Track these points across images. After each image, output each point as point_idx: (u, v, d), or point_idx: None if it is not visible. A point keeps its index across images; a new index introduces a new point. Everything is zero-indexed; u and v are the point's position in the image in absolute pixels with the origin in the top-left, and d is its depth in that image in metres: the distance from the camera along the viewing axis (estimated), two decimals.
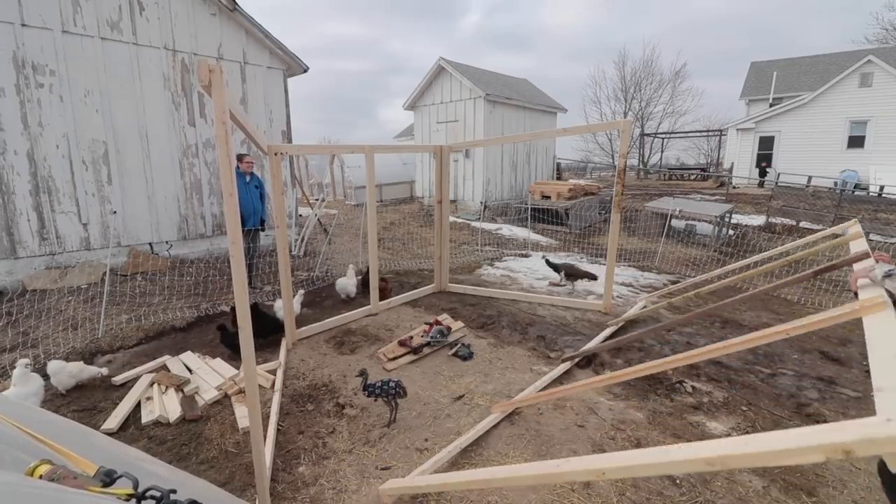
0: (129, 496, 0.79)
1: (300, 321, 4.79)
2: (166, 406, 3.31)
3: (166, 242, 7.44)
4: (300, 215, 9.90)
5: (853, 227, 2.84)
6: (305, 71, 8.99)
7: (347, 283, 5.81)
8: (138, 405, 3.38)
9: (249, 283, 5.99)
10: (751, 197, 16.28)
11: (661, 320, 4.86)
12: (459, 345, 4.34)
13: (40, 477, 0.75)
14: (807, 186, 16.18)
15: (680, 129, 31.57)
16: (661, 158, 32.61)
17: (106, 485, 0.80)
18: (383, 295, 5.51)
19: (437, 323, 4.62)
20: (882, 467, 1.94)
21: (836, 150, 18.76)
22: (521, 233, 10.80)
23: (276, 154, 4.14)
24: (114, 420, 3.15)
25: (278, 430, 3.09)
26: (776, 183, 16.96)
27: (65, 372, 3.51)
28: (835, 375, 3.79)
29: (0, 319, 4.87)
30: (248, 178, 6.01)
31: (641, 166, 28.68)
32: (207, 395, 3.48)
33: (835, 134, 18.76)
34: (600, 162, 33.44)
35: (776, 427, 3.06)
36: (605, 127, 19.60)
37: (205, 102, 7.55)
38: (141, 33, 6.80)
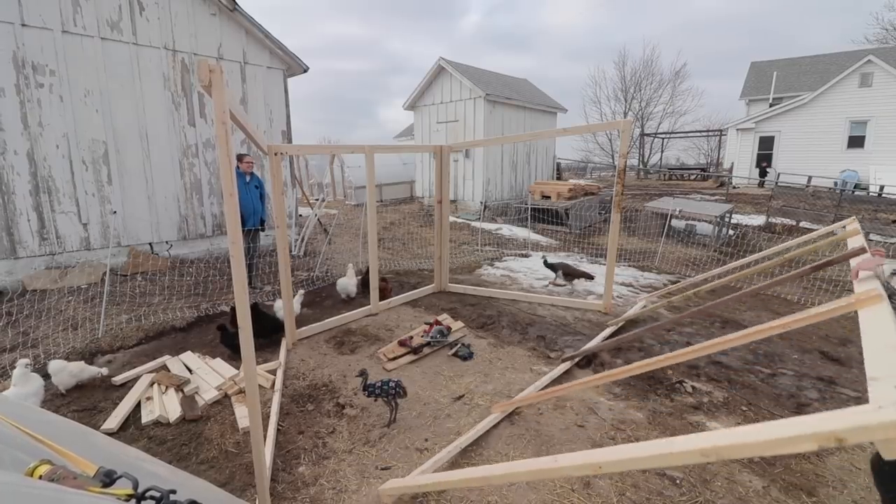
0: (129, 496, 0.79)
1: (300, 321, 4.79)
2: (166, 406, 3.31)
3: (166, 242, 7.44)
4: (300, 215, 9.90)
5: (851, 224, 2.84)
6: (305, 71, 8.99)
7: (348, 283, 5.81)
8: (138, 405, 3.38)
9: (249, 283, 5.99)
10: (751, 197, 16.28)
11: (661, 320, 4.86)
12: (459, 345, 4.34)
13: (40, 477, 0.75)
14: (807, 186, 16.18)
15: (680, 129, 31.58)
16: (661, 158, 32.62)
17: (106, 485, 0.80)
18: (383, 295, 5.51)
19: (437, 323, 4.62)
20: (875, 463, 1.95)
21: (836, 150, 18.76)
22: (521, 233, 10.80)
23: (276, 154, 4.14)
24: (114, 420, 3.15)
25: (278, 430, 3.09)
26: (776, 183, 16.97)
27: (66, 371, 3.52)
28: (835, 375, 3.79)
29: (0, 319, 4.87)
30: (248, 178, 6.01)
31: (641, 166, 28.68)
32: (207, 395, 3.48)
33: (835, 134, 18.76)
34: (600, 162, 33.44)
35: None
36: (605, 127, 19.60)
37: (205, 102, 7.55)
38: (141, 33, 6.80)
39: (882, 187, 15.64)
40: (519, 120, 14.47)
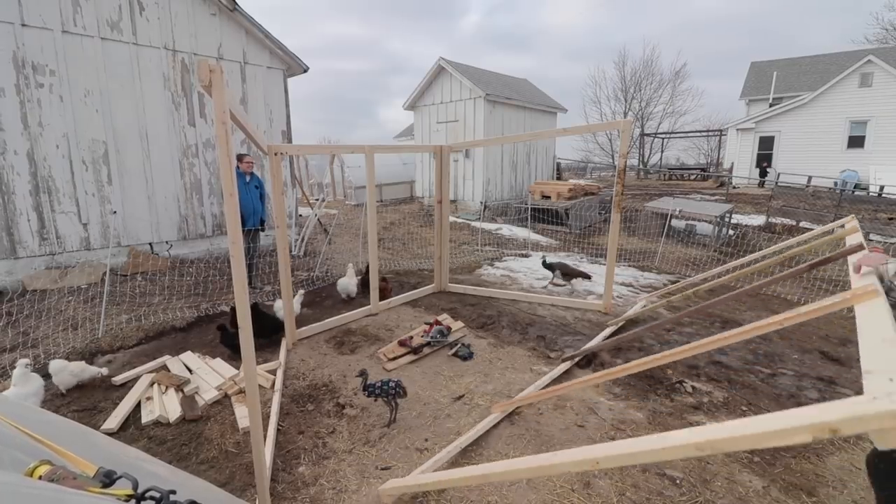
0: (129, 497, 0.79)
1: (300, 321, 4.79)
2: (166, 406, 3.31)
3: (166, 242, 7.44)
4: (300, 215, 9.90)
5: (850, 222, 2.85)
6: (305, 71, 8.99)
7: (349, 283, 5.81)
8: (138, 405, 3.37)
9: (249, 283, 5.99)
10: (751, 197, 16.28)
11: (661, 320, 4.86)
12: (459, 345, 4.34)
13: (40, 477, 0.75)
14: (807, 186, 16.18)
15: (680, 129, 31.59)
16: (661, 158, 32.62)
17: (105, 485, 0.80)
18: (383, 295, 5.51)
19: (437, 323, 4.61)
20: (870, 461, 1.95)
21: (836, 150, 18.77)
22: (521, 233, 10.79)
23: (276, 154, 4.13)
24: (114, 420, 3.15)
25: (278, 430, 3.09)
26: (776, 183, 16.97)
27: (67, 371, 3.52)
28: (835, 375, 3.79)
29: (0, 319, 4.87)
30: (248, 178, 6.01)
31: (641, 166, 28.68)
32: (207, 395, 3.48)
33: (835, 134, 18.77)
34: (600, 162, 33.45)
35: None
36: (605, 127, 19.59)
37: (205, 102, 7.55)
38: (141, 33, 6.80)
39: (882, 187, 15.64)
40: (519, 120, 14.47)
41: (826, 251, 2.75)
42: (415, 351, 4.20)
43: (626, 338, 3.69)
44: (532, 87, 17.17)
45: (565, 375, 3.82)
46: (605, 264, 5.40)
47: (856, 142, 18.45)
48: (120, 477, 0.83)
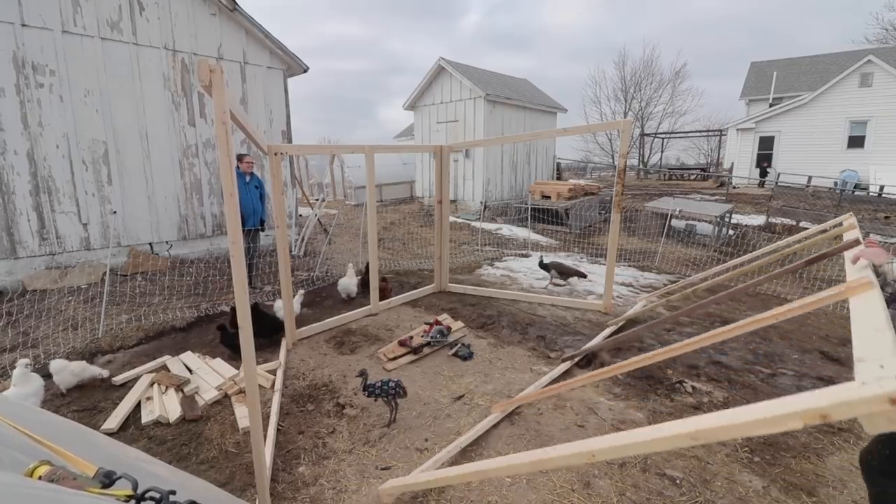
0: (129, 497, 0.79)
1: (300, 321, 4.79)
2: (166, 406, 3.31)
3: (166, 242, 7.44)
4: (300, 215, 9.90)
5: (848, 219, 2.85)
6: (305, 71, 8.99)
7: (349, 283, 5.81)
8: (138, 405, 3.37)
9: (249, 283, 5.99)
10: (751, 197, 16.28)
11: (658, 319, 4.86)
12: (459, 345, 4.34)
13: (39, 478, 0.75)
14: (807, 186, 16.19)
15: (680, 129, 31.58)
16: (661, 158, 32.62)
17: (105, 486, 0.80)
18: (383, 295, 5.51)
19: (437, 323, 4.61)
20: (863, 458, 1.96)
21: (836, 150, 18.76)
22: (521, 233, 10.80)
23: (276, 154, 4.13)
24: (114, 420, 3.15)
25: (278, 430, 3.09)
26: (776, 183, 16.98)
27: (68, 370, 3.52)
28: (835, 375, 3.78)
29: (0, 319, 4.87)
30: (247, 178, 6.01)
31: (641, 166, 28.68)
32: (207, 395, 3.48)
33: (835, 134, 18.76)
34: (600, 162, 33.45)
35: None
36: (605, 127, 19.59)
37: (205, 102, 7.55)
38: (141, 33, 6.80)
39: (882, 187, 15.64)
40: (519, 120, 14.47)
41: (824, 249, 2.75)
42: (415, 351, 4.20)
43: (626, 337, 3.69)
44: (532, 87, 17.16)
45: (565, 375, 3.82)
46: (605, 264, 5.40)
47: (856, 142, 18.45)
48: (120, 477, 0.83)
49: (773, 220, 11.34)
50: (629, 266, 7.72)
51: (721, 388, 3.56)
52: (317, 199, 10.53)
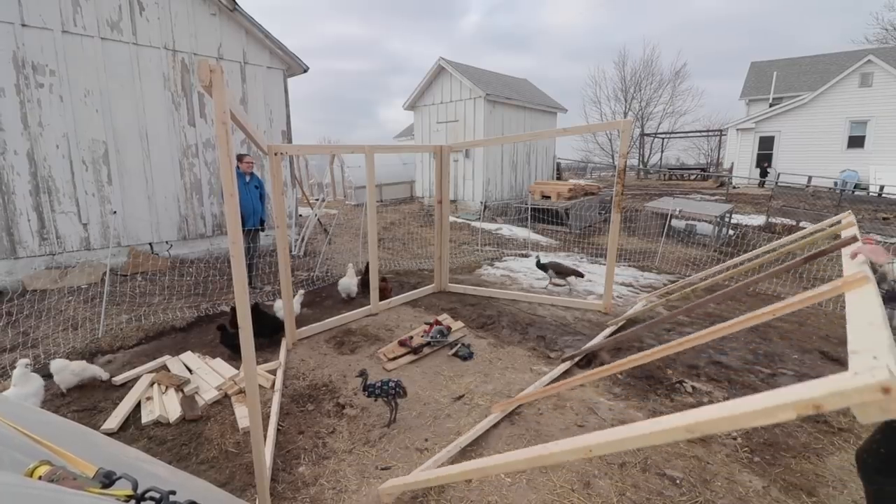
0: (129, 497, 0.79)
1: (300, 321, 4.79)
2: (166, 406, 3.31)
3: (166, 242, 7.44)
4: (300, 215, 9.90)
5: (847, 217, 2.85)
6: (305, 71, 8.99)
7: (350, 283, 5.81)
8: (138, 405, 3.37)
9: (249, 283, 5.99)
10: (751, 197, 16.28)
11: (663, 322, 4.86)
12: (459, 345, 4.34)
13: (39, 478, 0.75)
14: (807, 186, 16.19)
15: (680, 129, 31.59)
16: (661, 158, 32.62)
17: (105, 486, 0.80)
18: (383, 295, 5.51)
19: (437, 323, 4.61)
20: (859, 456, 1.96)
21: (836, 150, 18.76)
22: (521, 233, 10.80)
23: (276, 154, 4.13)
24: (114, 420, 3.15)
25: (278, 430, 3.09)
26: (776, 183, 16.98)
27: (68, 370, 3.52)
28: None
29: (0, 319, 4.87)
30: (247, 178, 6.01)
31: (641, 166, 28.68)
32: (207, 395, 3.48)
33: (835, 134, 18.76)
34: (600, 162, 33.45)
35: (776, 427, 3.06)
36: (605, 127, 19.59)
37: (205, 102, 7.55)
38: (141, 33, 6.80)
39: (882, 187, 15.65)
40: (519, 120, 14.47)
41: (822, 247, 2.76)
42: (415, 351, 4.20)
43: (626, 337, 3.69)
44: (532, 87, 17.17)
45: (565, 375, 3.81)
46: (605, 264, 5.40)
47: (856, 142, 18.45)
48: (119, 478, 0.83)
49: (773, 220, 11.34)
50: (629, 266, 7.72)
51: (721, 388, 3.56)
52: (317, 199, 10.53)
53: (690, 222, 10.12)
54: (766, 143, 20.43)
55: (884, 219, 11.10)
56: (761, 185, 19.18)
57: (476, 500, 2.42)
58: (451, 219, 11.68)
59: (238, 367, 3.87)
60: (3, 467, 0.79)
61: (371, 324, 5.01)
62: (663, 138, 31.49)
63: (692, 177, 24.14)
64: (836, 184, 15.74)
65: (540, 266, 6.40)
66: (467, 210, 13.75)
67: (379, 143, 5.61)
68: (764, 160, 20.42)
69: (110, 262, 5.44)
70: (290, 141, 8.77)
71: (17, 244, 6.07)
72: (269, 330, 4.46)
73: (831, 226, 3.19)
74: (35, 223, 6.19)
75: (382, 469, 2.69)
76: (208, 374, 3.81)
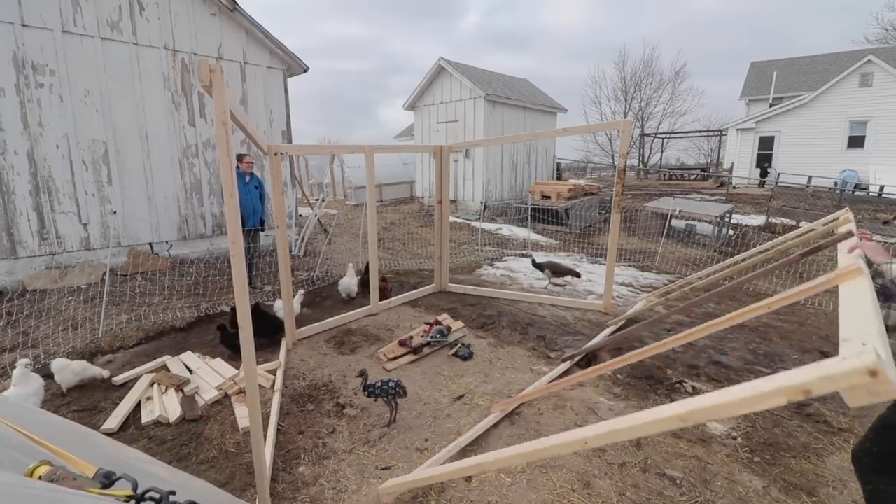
0: (129, 498, 0.79)
1: (300, 321, 4.79)
2: (166, 406, 3.31)
3: (166, 242, 7.44)
4: (300, 215, 9.90)
5: (844, 214, 2.86)
6: (305, 71, 8.99)
7: (350, 283, 5.82)
8: (138, 405, 3.38)
9: (249, 283, 5.99)
10: (751, 197, 16.28)
11: (662, 321, 4.86)
12: (459, 345, 4.34)
13: (39, 478, 0.75)
14: (807, 186, 16.20)
15: (680, 129, 31.58)
16: (661, 158, 32.61)
17: (105, 486, 0.80)
18: (383, 295, 5.51)
19: (437, 323, 4.61)
20: (855, 456, 1.97)
21: (836, 150, 18.76)
22: (522, 233, 10.80)
23: (276, 154, 4.13)
24: (114, 420, 3.15)
25: (278, 430, 3.09)
26: (776, 183, 16.99)
27: (69, 369, 3.52)
28: None
29: (0, 319, 4.87)
30: (247, 178, 6.01)
31: (641, 166, 28.68)
32: (207, 395, 3.48)
33: (835, 134, 18.76)
34: (600, 162, 33.45)
35: (776, 427, 3.06)
36: (605, 127, 19.59)
37: (205, 102, 7.55)
38: (141, 33, 6.80)
39: (882, 187, 15.65)
40: (519, 120, 14.47)
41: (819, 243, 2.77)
42: (415, 351, 4.20)
43: (625, 336, 3.69)
44: (532, 87, 17.16)
45: (565, 375, 3.81)
46: (605, 264, 5.41)
47: (856, 142, 18.44)
48: (119, 478, 0.83)
49: (773, 220, 11.34)
50: (629, 266, 7.72)
51: (721, 388, 3.55)
52: (317, 199, 10.54)
53: (690, 222, 10.11)
54: (766, 143, 20.43)
55: (884, 222, 11.10)
56: (761, 185, 19.18)
57: (476, 500, 2.42)
58: (451, 219, 11.68)
59: (238, 367, 3.87)
60: (2, 467, 0.79)
61: (371, 324, 5.01)
62: (663, 138, 31.49)
63: (692, 177, 24.14)
64: (836, 184, 15.75)
65: (536, 265, 6.40)
66: (467, 210, 13.75)
67: (379, 143, 5.61)
68: (764, 160, 20.42)
69: (110, 262, 5.44)
70: (290, 141, 8.77)
71: (17, 244, 6.07)
72: (269, 330, 4.46)
73: (826, 224, 3.20)
74: (35, 223, 6.19)
75: (382, 469, 2.69)
76: (208, 374, 3.81)
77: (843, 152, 18.66)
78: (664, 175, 25.05)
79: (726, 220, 10.24)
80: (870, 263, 1.72)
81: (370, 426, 3.12)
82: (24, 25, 5.83)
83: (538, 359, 4.15)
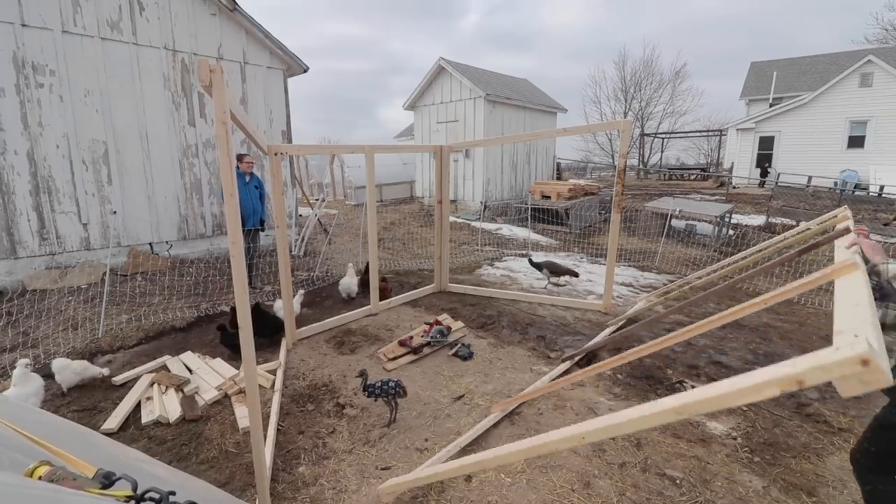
0: (128, 498, 0.79)
1: (300, 321, 4.79)
2: (166, 406, 3.31)
3: (166, 242, 7.44)
4: (300, 215, 9.90)
5: (843, 212, 2.86)
6: (305, 71, 8.99)
7: (350, 283, 5.82)
8: (138, 405, 3.38)
9: (249, 283, 5.99)
10: (751, 197, 16.28)
11: (661, 320, 4.86)
12: (459, 345, 4.34)
13: (39, 478, 0.75)
14: (807, 186, 16.19)
15: (680, 129, 31.57)
16: (661, 158, 32.61)
17: (105, 487, 0.80)
18: (383, 295, 5.51)
19: (437, 323, 4.61)
20: (853, 456, 1.98)
21: (836, 150, 18.76)
22: (522, 233, 10.79)
23: (276, 154, 4.13)
24: (114, 420, 3.15)
25: (278, 430, 3.09)
26: (776, 183, 16.98)
27: (70, 369, 3.52)
28: None
29: (0, 319, 4.87)
30: (247, 178, 6.01)
31: (641, 166, 28.68)
32: (207, 395, 3.48)
33: (835, 134, 18.76)
34: (600, 162, 33.44)
35: (776, 427, 3.06)
36: (605, 127, 19.59)
37: (205, 102, 7.55)
38: (141, 33, 6.80)
39: (882, 187, 15.64)
40: (519, 120, 14.47)
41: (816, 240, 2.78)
42: (415, 351, 4.20)
43: (625, 336, 3.69)
44: (532, 87, 17.16)
45: (565, 375, 3.81)
46: (605, 264, 5.41)
47: (856, 142, 18.44)
48: (119, 478, 0.83)
49: (773, 220, 11.33)
50: (629, 266, 7.72)
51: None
52: (317, 199, 10.54)
53: (690, 222, 10.11)
54: (766, 143, 20.43)
55: (884, 224, 11.10)
56: (761, 185, 19.17)
57: (476, 500, 2.42)
58: (451, 219, 11.68)
59: (238, 367, 3.87)
60: (2, 468, 0.79)
61: (371, 324, 5.01)
62: (663, 138, 31.48)
63: (692, 177, 24.14)
64: (836, 184, 15.75)
65: (534, 265, 6.40)
66: (467, 210, 13.75)
67: (379, 143, 5.61)
68: (764, 160, 20.42)
69: (110, 262, 5.44)
70: (290, 141, 8.77)
71: (17, 244, 6.07)
72: (269, 330, 4.46)
73: (823, 222, 3.20)
74: (35, 223, 6.19)
75: (382, 469, 2.69)
76: (208, 374, 3.81)
77: (843, 152, 18.65)
78: (664, 175, 25.04)
79: (726, 220, 10.24)
80: (866, 261, 1.73)
81: (370, 426, 3.12)
82: (24, 25, 5.83)
83: (538, 359, 4.15)
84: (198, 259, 7.54)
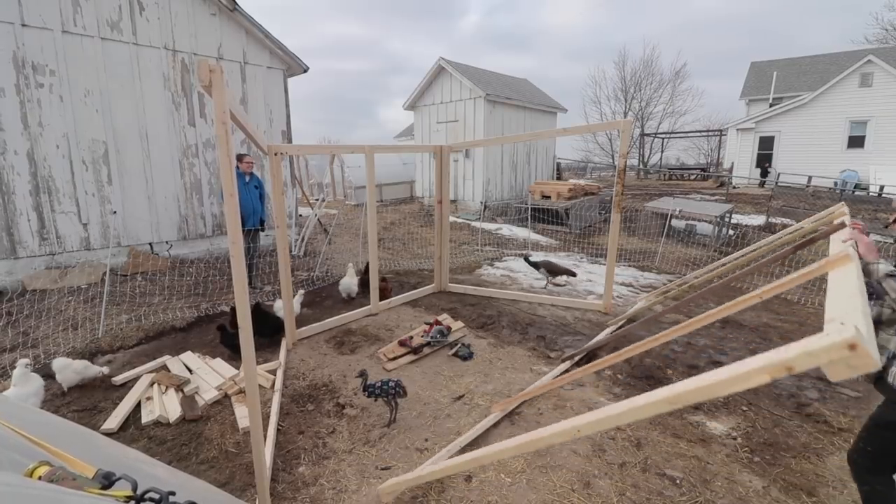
0: (128, 498, 0.79)
1: (300, 321, 4.79)
2: (166, 406, 3.31)
3: (166, 242, 7.43)
4: (300, 215, 9.90)
5: (840, 208, 2.87)
6: (305, 71, 8.98)
7: (350, 283, 5.82)
8: (138, 405, 3.38)
9: (249, 283, 5.99)
10: (751, 197, 16.28)
11: (659, 318, 4.86)
12: (459, 345, 4.34)
13: (39, 478, 0.75)
14: (807, 186, 16.20)
15: (680, 129, 31.56)
16: (661, 158, 32.60)
17: (105, 487, 0.80)
18: (383, 295, 5.51)
19: (437, 323, 4.61)
20: (851, 457, 1.98)
21: (836, 150, 18.76)
22: (522, 233, 10.80)
23: (276, 154, 4.14)
24: (114, 420, 3.15)
25: (278, 430, 3.09)
26: (776, 183, 16.99)
27: (70, 369, 3.52)
28: None
29: (0, 319, 4.87)
30: (247, 178, 6.01)
31: (641, 166, 28.68)
32: (207, 395, 3.48)
33: (835, 134, 18.75)
34: (600, 162, 33.43)
35: (776, 427, 3.07)
36: (605, 127, 19.60)
37: (205, 102, 7.55)
38: (141, 33, 6.80)
39: (882, 187, 15.64)
40: (519, 120, 14.47)
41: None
42: (415, 351, 4.20)
43: (625, 336, 3.69)
44: (532, 87, 17.16)
45: (565, 375, 3.81)
46: (605, 264, 5.41)
47: (856, 142, 18.44)
48: (119, 478, 0.83)
49: (773, 220, 11.34)
50: (629, 266, 7.72)
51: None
52: (317, 199, 10.54)
53: (690, 222, 10.11)
54: (766, 143, 20.42)
55: (884, 227, 11.10)
56: (761, 185, 19.17)
57: (476, 500, 2.42)
58: (451, 219, 11.68)
59: (238, 367, 3.87)
60: (2, 468, 0.79)
61: (371, 324, 5.01)
62: (663, 138, 31.48)
63: (692, 177, 24.13)
64: (836, 184, 15.76)
65: (531, 264, 6.40)
66: (467, 210, 13.75)
67: (379, 143, 5.62)
68: (764, 160, 20.42)
69: (110, 262, 5.44)
70: (290, 141, 8.77)
71: (17, 244, 6.07)
72: (269, 330, 4.46)
73: (818, 220, 3.21)
74: (35, 223, 6.19)
75: (382, 469, 2.69)
76: (208, 374, 3.81)
77: (843, 152, 18.65)
78: (664, 175, 25.03)
79: (726, 220, 10.24)
80: (865, 270, 1.73)
81: (370, 426, 3.12)
82: (24, 25, 5.83)
83: (538, 359, 4.15)
84: (198, 259, 7.54)
